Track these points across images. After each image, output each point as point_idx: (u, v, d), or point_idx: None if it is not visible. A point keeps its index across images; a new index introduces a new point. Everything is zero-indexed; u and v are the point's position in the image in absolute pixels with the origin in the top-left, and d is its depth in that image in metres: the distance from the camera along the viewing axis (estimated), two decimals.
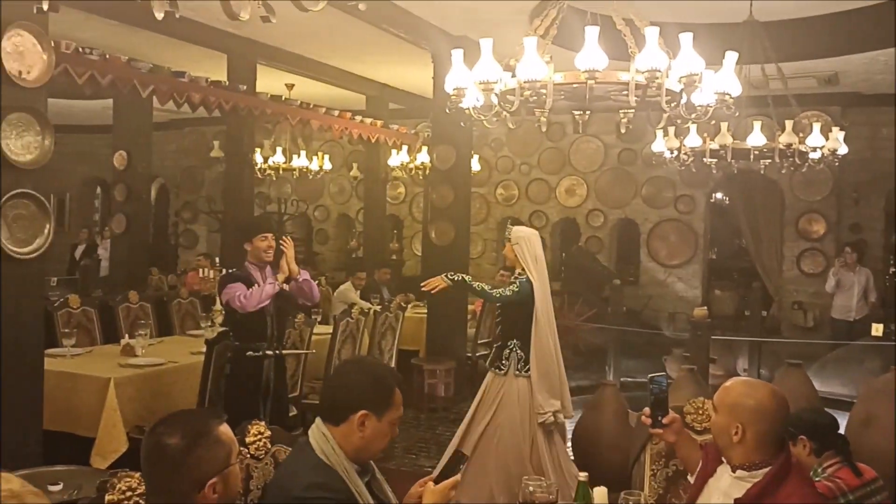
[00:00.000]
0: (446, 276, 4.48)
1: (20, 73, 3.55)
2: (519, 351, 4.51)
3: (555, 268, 11.60)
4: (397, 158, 9.64)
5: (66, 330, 5.39)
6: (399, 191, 12.39)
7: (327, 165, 10.26)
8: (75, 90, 5.33)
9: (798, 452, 3.05)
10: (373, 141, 8.92)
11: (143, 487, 1.89)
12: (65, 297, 6.31)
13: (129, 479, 1.88)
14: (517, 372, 4.50)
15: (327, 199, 12.94)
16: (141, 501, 1.89)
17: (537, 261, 4.56)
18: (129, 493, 1.87)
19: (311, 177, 10.09)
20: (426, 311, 7.86)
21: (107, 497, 1.86)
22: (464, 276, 4.65)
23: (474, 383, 7.97)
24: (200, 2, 6.10)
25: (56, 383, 4.43)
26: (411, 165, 9.59)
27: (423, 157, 9.28)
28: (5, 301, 3.60)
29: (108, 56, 5.36)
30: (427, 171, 9.37)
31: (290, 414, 5.33)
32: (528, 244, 4.56)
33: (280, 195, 12.34)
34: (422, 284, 4.59)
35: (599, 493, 2.27)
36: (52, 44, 3.85)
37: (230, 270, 4.76)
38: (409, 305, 7.70)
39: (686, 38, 3.36)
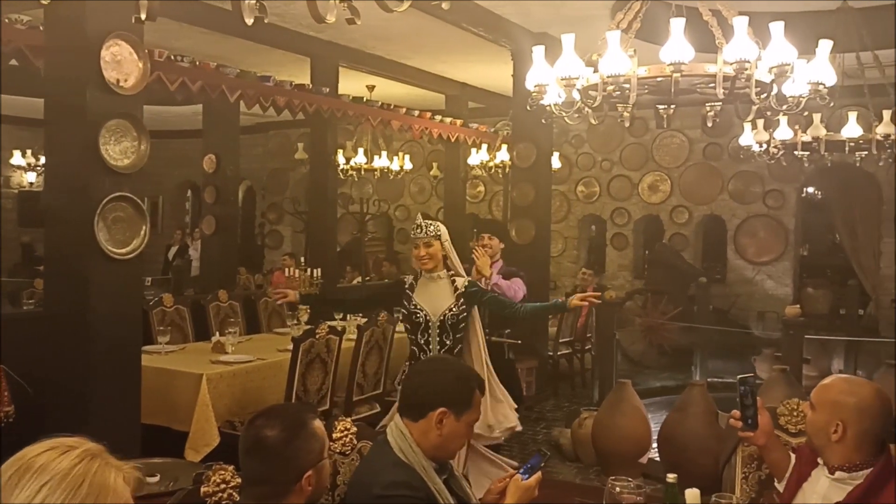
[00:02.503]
0: None
1: (118, 81, 3.71)
2: None
3: (638, 266, 11.41)
4: (477, 157, 9.65)
5: (161, 327, 5.60)
6: (479, 189, 12.39)
7: (408, 165, 10.35)
8: (168, 97, 5.53)
9: None
10: (453, 140, 8.96)
11: (237, 480, 1.95)
12: (159, 296, 6.57)
13: (223, 472, 1.95)
14: None
15: (408, 198, 13.05)
16: (234, 493, 1.95)
17: None
18: (222, 486, 1.93)
19: (391, 177, 10.19)
20: None
21: (202, 489, 1.92)
22: None
23: (556, 382, 7.98)
24: (285, 8, 6.31)
25: (152, 379, 4.58)
26: (491, 164, 9.59)
27: (502, 155, 9.27)
28: (106, 300, 3.78)
29: (198, 63, 5.55)
30: (507, 170, 9.36)
31: (374, 411, 5.42)
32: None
33: (362, 195, 12.52)
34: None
35: (692, 494, 2.22)
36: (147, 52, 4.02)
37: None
38: None
39: (777, 27, 3.26)
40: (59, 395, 3.92)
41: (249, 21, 2.09)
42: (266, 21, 2.26)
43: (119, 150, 3.80)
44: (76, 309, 3.81)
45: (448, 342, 3.97)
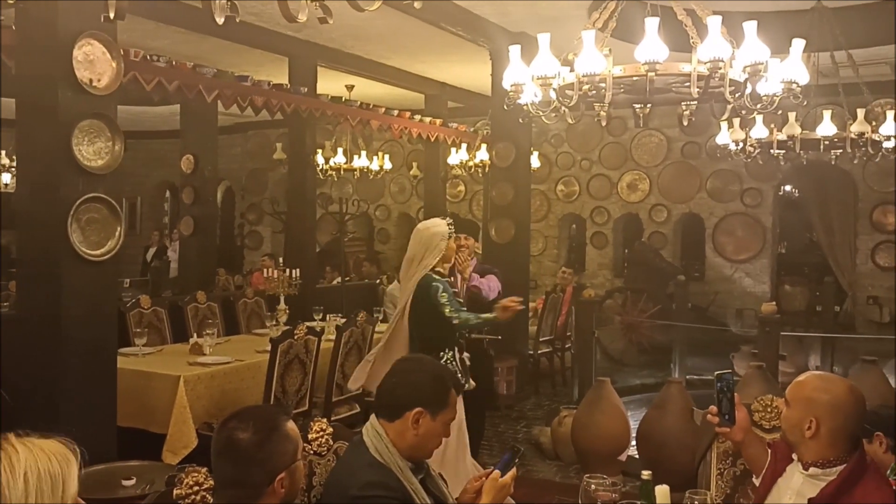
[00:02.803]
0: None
1: (91, 81, 3.67)
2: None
3: (617, 264, 11.46)
4: (457, 157, 9.65)
5: (138, 329, 5.55)
6: (459, 189, 12.39)
7: (387, 165, 10.33)
8: (145, 97, 5.48)
9: (874, 450, 2.94)
10: (432, 140, 8.96)
11: (210, 482, 1.93)
12: (136, 297, 6.51)
13: (196, 474, 1.93)
14: None
15: (388, 198, 13.03)
16: (207, 496, 1.93)
17: None
18: (195, 488, 1.92)
19: (371, 177, 10.17)
20: None
21: (175, 491, 1.90)
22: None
23: (536, 381, 8.00)
24: (262, 7, 6.28)
25: (129, 381, 4.55)
26: (471, 163, 9.58)
27: (482, 154, 9.27)
28: (80, 302, 3.74)
29: (174, 63, 5.50)
30: (486, 169, 9.36)
31: (354, 411, 5.41)
32: None
33: (342, 195, 12.47)
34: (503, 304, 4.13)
35: (661, 492, 2.23)
36: (122, 52, 3.98)
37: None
38: None
39: (750, 27, 3.28)
40: (33, 399, 3.87)
41: (220, 20, 2.08)
42: (238, 20, 2.25)
43: (93, 150, 3.76)
44: (50, 311, 3.77)
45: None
